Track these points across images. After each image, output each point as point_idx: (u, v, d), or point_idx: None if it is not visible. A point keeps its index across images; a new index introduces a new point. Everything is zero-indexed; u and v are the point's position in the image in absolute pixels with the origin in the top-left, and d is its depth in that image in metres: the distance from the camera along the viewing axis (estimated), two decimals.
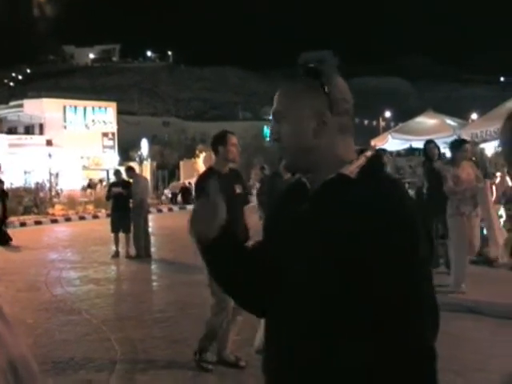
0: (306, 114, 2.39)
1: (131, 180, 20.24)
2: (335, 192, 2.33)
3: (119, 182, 20.26)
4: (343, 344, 2.23)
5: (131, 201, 19.46)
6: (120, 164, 53.03)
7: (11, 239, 24.03)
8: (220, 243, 2.59)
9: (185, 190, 51.79)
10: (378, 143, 23.80)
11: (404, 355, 2.16)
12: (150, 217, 32.56)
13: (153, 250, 19.96)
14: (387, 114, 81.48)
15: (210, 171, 7.77)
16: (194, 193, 8.08)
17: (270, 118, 2.56)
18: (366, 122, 60.68)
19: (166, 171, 65.36)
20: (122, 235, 19.54)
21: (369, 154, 2.44)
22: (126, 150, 69.43)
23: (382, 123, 72.11)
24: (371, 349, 2.18)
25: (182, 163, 65.36)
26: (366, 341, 2.19)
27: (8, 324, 1.62)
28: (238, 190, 7.83)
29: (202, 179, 7.77)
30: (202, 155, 59.64)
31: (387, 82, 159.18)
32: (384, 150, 15.80)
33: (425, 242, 2.26)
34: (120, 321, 10.95)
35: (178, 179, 60.69)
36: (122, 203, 19.43)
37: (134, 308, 12.17)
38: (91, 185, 54.53)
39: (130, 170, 20.78)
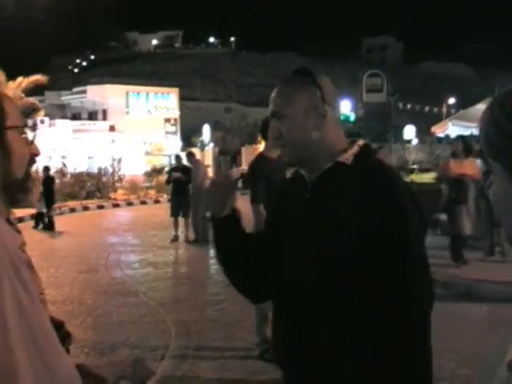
0: (304, 110, 2.57)
1: (191, 165, 20.43)
2: (334, 178, 2.52)
3: (179, 167, 20.46)
4: (355, 327, 2.40)
5: (190, 186, 19.64)
6: (182, 150, 53.33)
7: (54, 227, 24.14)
8: (228, 222, 2.78)
9: (243, 176, 52.19)
10: (438, 130, 23.57)
11: (406, 326, 2.36)
12: None
13: (211, 234, 20.11)
14: (451, 100, 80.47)
15: (259, 157, 7.87)
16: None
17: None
18: (426, 108, 59.78)
19: (228, 157, 65.58)
20: (181, 220, 19.74)
21: (361, 142, 2.63)
22: (188, 135, 69.77)
23: (445, 110, 71.24)
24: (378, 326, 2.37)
25: (243, 149, 65.45)
26: (372, 320, 2.38)
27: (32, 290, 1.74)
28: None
29: (251, 165, 7.91)
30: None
31: (452, 68, 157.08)
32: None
33: (415, 220, 2.46)
34: (176, 303, 11.17)
35: (240, 165, 60.87)
36: (182, 188, 19.63)
37: (189, 291, 12.38)
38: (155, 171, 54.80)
39: (190, 155, 20.96)
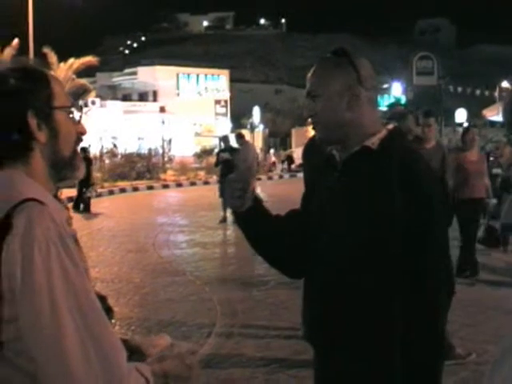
0: (339, 90, 2.58)
1: (240, 146, 20.47)
2: (359, 162, 2.57)
3: (227, 149, 20.51)
4: (376, 299, 2.50)
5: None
6: (232, 131, 53.48)
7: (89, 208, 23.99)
8: (250, 216, 2.81)
9: (289, 158, 52.16)
10: (489, 113, 23.34)
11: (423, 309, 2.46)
12: (260, 184, 32.89)
13: None
14: (504, 83, 79.30)
15: (311, 141, 7.89)
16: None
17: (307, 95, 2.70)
18: (478, 91, 58.95)
19: (278, 139, 65.61)
20: None
21: (390, 127, 2.66)
22: (238, 117, 69.91)
23: (497, 93, 70.26)
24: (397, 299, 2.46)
25: (293, 131, 65.37)
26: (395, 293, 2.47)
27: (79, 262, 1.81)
28: None
29: (306, 149, 7.96)
30: None
31: (506, 51, 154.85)
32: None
33: (439, 206, 2.53)
34: (222, 283, 11.26)
35: (290, 147, 60.84)
36: (230, 169, 19.65)
37: (236, 271, 12.47)
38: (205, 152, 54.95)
39: (239, 136, 20.99)
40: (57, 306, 1.72)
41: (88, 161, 24.28)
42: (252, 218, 2.82)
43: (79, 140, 2.13)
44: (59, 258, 1.75)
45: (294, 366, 6.86)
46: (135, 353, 2.07)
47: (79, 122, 2.14)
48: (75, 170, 2.10)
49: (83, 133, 2.16)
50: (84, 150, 24.66)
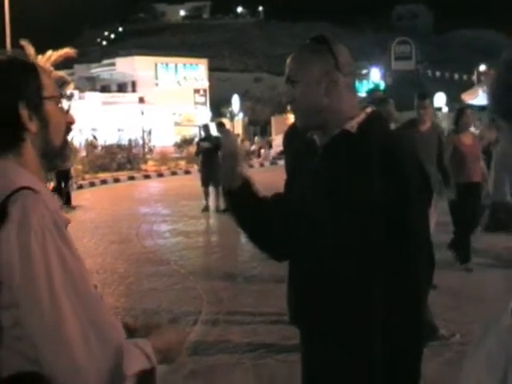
0: (317, 76, 2.63)
1: (221, 135, 20.49)
2: (339, 146, 2.64)
3: (207, 138, 20.52)
4: (359, 281, 2.56)
5: (220, 155, 19.67)
6: (212, 120, 53.44)
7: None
8: (240, 193, 2.87)
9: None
10: (468, 97, 23.45)
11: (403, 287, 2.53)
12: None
13: None
14: (482, 67, 79.68)
15: (292, 128, 7.96)
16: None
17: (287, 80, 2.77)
18: (456, 75, 59.31)
19: (258, 127, 65.63)
20: (212, 189, 19.82)
21: (368, 110, 2.71)
22: (218, 106, 69.86)
23: (476, 77, 70.59)
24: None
25: (273, 119, 65.36)
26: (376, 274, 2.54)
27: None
28: None
29: (285, 135, 8.05)
30: None
31: (483, 36, 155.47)
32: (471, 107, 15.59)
33: (417, 188, 2.59)
34: (207, 271, 11.30)
35: (270, 135, 60.84)
36: (211, 158, 19.64)
37: (220, 259, 12.52)
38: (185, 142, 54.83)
39: (220, 125, 21.03)
40: (55, 293, 1.75)
41: None
42: (243, 198, 2.87)
43: (69, 129, 2.16)
44: (55, 244, 1.79)
45: (282, 350, 6.89)
46: (134, 333, 2.10)
47: (68, 111, 2.17)
48: (66, 159, 2.13)
49: (72, 122, 2.19)
50: None
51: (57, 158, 2.10)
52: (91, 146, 40.11)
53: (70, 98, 2.28)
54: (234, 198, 2.90)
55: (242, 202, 2.89)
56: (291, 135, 7.71)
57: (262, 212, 2.90)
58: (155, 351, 1.95)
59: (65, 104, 2.15)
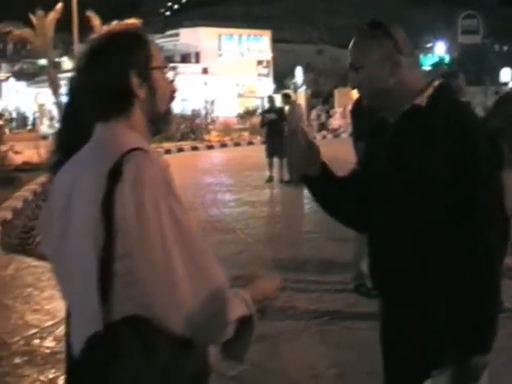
0: (379, 60, 2.73)
1: (286, 106, 20.59)
2: (410, 120, 2.73)
3: (272, 109, 20.61)
4: (433, 252, 2.67)
5: (285, 127, 19.78)
6: (275, 92, 53.41)
7: None
8: (319, 179, 2.96)
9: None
10: None
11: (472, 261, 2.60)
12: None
13: None
14: None
15: (357, 104, 8.09)
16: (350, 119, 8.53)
17: (349, 65, 2.85)
18: None
19: (321, 99, 65.35)
20: (276, 160, 19.96)
21: (436, 83, 2.79)
22: (281, 77, 69.68)
23: None
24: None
25: (336, 91, 64.96)
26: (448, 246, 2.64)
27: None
28: None
29: (354, 105, 8.21)
30: None
31: None
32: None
33: (488, 159, 2.65)
34: (272, 240, 11.50)
35: (332, 107, 60.55)
36: (276, 129, 19.75)
37: (285, 229, 12.70)
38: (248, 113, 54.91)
39: (286, 96, 21.15)
40: (166, 242, 1.95)
41: None
42: (320, 182, 2.97)
43: (172, 98, 2.35)
44: (166, 199, 1.98)
45: (346, 317, 7.07)
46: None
47: (172, 81, 2.36)
48: (169, 124, 2.34)
49: (175, 91, 2.37)
50: None
51: (161, 123, 2.31)
52: None
53: (174, 69, 2.47)
54: (313, 185, 2.99)
55: (322, 188, 3.00)
56: (358, 112, 7.86)
57: (342, 193, 3.02)
58: (252, 300, 2.14)
59: (170, 74, 2.34)
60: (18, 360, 6.27)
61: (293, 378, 5.65)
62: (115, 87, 2.16)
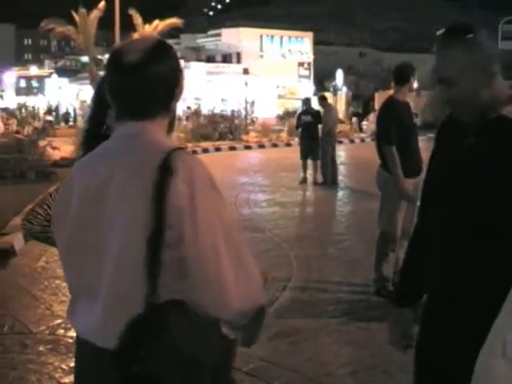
0: (472, 73, 2.55)
1: (322, 109, 20.67)
2: (497, 130, 2.57)
3: (308, 111, 20.69)
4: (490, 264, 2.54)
5: (320, 129, 19.86)
6: (315, 94, 53.33)
7: None
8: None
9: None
10: None
11: None
12: (342, 147, 32.91)
13: (340, 178, 20.40)
14: None
15: (390, 100, 8.14)
16: (376, 119, 8.52)
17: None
18: None
19: (361, 102, 65.16)
20: (310, 162, 20.06)
21: None
22: (322, 79, 69.58)
23: None
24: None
25: (376, 94, 64.68)
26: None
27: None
28: (415, 120, 8.24)
29: (383, 108, 8.25)
30: None
31: None
32: None
33: None
34: (300, 240, 11.59)
35: (373, 110, 60.37)
36: (311, 131, 19.84)
37: (314, 229, 12.79)
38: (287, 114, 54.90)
39: (322, 98, 21.22)
40: (215, 231, 2.16)
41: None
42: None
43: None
44: (211, 193, 2.21)
45: (364, 319, 7.16)
46: None
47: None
48: (173, 130, 2.50)
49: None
50: None
51: (172, 125, 2.48)
52: (195, 115, 40.79)
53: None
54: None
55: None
56: (388, 115, 7.90)
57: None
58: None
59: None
60: (41, 348, 6.48)
61: (307, 376, 5.74)
62: (167, 89, 2.35)
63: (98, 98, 3.53)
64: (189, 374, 2.10)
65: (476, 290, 2.55)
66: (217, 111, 42.87)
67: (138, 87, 2.29)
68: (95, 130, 3.06)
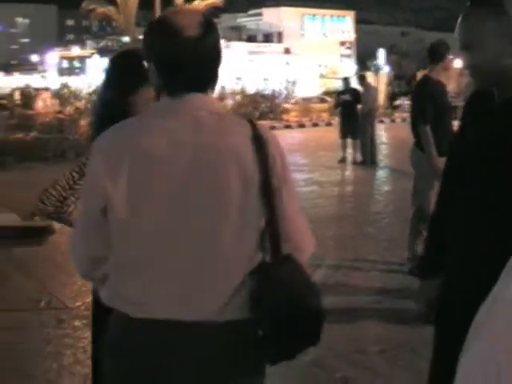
0: (493, 39, 2.55)
1: (362, 88, 20.58)
2: None
3: (347, 90, 20.61)
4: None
5: (359, 108, 19.79)
6: (356, 73, 53.10)
7: None
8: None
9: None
10: None
11: None
12: (383, 126, 32.71)
13: (380, 157, 20.33)
14: None
15: (426, 79, 8.09)
16: (411, 98, 8.47)
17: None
18: None
19: (403, 81, 64.71)
20: (349, 141, 20.02)
21: None
22: (363, 59, 69.16)
23: None
24: None
25: (418, 74, 64.13)
26: None
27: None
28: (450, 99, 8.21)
29: (418, 87, 8.21)
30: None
31: None
32: None
33: None
34: (336, 219, 11.62)
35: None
36: (350, 110, 19.79)
37: (351, 209, 12.82)
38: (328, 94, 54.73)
39: (361, 78, 21.18)
40: (294, 186, 2.51)
41: None
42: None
43: None
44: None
45: (397, 297, 7.16)
46: None
47: None
48: None
49: None
50: None
51: None
52: (242, 94, 40.77)
53: None
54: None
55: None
56: (424, 93, 7.85)
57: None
58: None
59: None
60: (77, 323, 6.60)
61: (337, 352, 5.77)
62: (218, 61, 2.43)
63: (116, 81, 3.56)
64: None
65: (496, 267, 2.53)
66: (258, 90, 42.78)
67: (200, 59, 2.32)
68: (112, 113, 3.10)
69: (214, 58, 2.38)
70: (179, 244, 2.26)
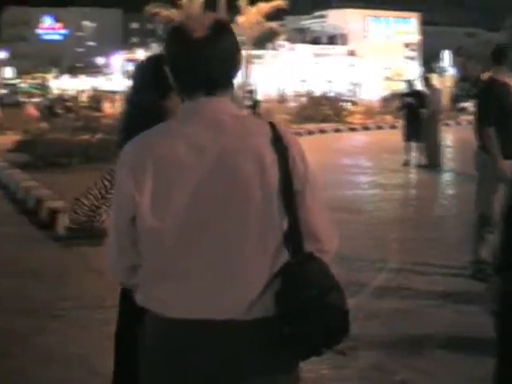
0: None
1: (426, 90, 20.42)
2: None
3: (411, 93, 20.49)
4: None
5: (423, 111, 19.62)
6: (421, 75, 52.60)
7: None
8: None
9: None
10: None
11: None
12: (448, 129, 32.36)
13: (444, 161, 20.11)
14: None
15: (491, 80, 8.05)
16: (476, 100, 8.41)
17: None
18: None
19: (468, 83, 63.99)
20: (413, 144, 19.89)
21: None
22: (428, 60, 68.52)
23: None
24: None
25: (483, 75, 63.28)
26: None
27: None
28: None
29: (483, 89, 8.17)
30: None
31: None
32: None
33: None
34: (398, 222, 11.61)
35: None
36: (414, 113, 19.64)
37: (413, 212, 12.77)
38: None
39: (426, 80, 21.05)
40: (317, 187, 2.50)
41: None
42: None
43: None
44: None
45: (458, 301, 7.15)
46: None
47: None
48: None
49: None
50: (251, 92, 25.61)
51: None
52: (308, 96, 40.75)
53: None
54: None
55: None
56: (489, 94, 7.80)
57: None
58: None
59: None
60: None
61: (397, 356, 5.81)
62: (234, 62, 2.46)
63: (148, 86, 3.57)
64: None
65: None
66: (322, 93, 42.76)
67: (209, 61, 2.35)
68: (145, 118, 3.15)
69: (226, 61, 2.39)
70: (204, 247, 2.32)
